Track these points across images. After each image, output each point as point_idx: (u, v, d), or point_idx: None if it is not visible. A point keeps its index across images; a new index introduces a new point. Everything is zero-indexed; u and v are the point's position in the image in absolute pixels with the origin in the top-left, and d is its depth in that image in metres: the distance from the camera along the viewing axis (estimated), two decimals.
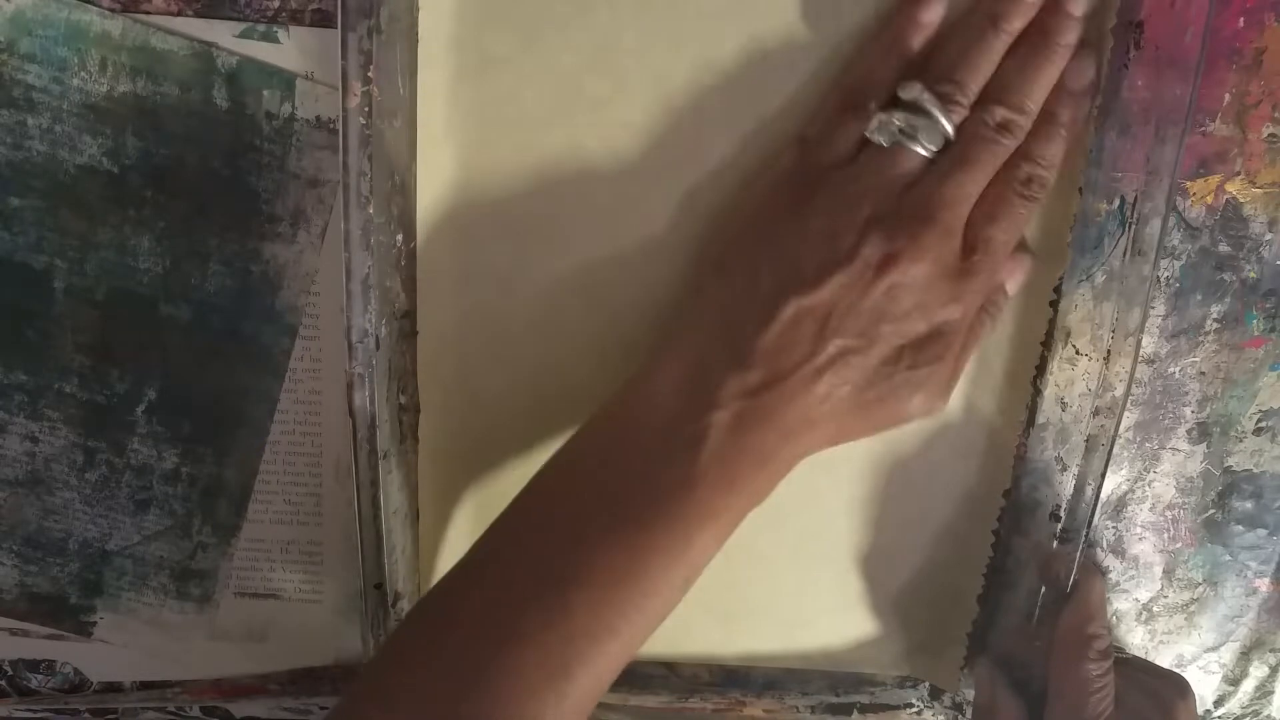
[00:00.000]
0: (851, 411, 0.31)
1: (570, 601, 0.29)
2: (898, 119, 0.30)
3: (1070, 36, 0.31)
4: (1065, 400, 0.36)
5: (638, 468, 0.31)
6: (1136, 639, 0.42)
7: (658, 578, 0.30)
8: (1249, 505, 0.39)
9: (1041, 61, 0.31)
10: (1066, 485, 0.36)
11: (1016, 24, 0.31)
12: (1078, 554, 0.36)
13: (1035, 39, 0.31)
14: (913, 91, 0.30)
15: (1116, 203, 0.33)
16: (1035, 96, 0.31)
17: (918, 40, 0.32)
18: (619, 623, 0.30)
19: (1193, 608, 0.41)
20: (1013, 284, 0.34)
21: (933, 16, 0.32)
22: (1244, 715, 0.44)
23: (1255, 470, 0.39)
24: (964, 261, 0.31)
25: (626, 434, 0.31)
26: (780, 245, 0.31)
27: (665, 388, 0.31)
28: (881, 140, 0.31)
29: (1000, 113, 0.31)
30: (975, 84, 0.31)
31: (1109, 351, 0.34)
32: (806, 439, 0.31)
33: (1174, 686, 0.37)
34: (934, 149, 0.31)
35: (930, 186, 0.30)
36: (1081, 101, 0.32)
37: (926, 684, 0.43)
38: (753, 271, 0.31)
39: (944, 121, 0.30)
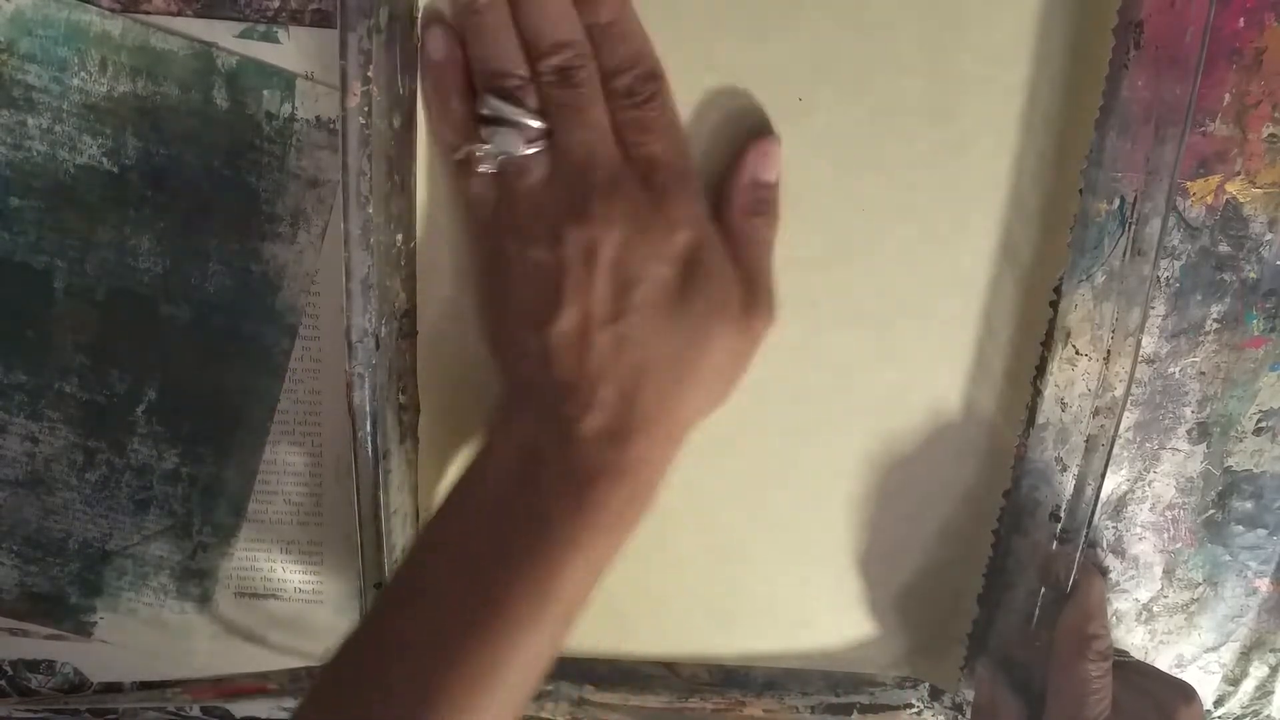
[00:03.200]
0: (674, 374, 0.31)
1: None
2: (487, 145, 0.31)
3: None
4: (1065, 400, 0.36)
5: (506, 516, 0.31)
6: (1136, 639, 0.42)
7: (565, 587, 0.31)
8: (1249, 505, 0.39)
9: None
10: (1066, 485, 0.36)
11: None
12: (1078, 554, 0.36)
13: None
14: (482, 107, 0.31)
15: (1116, 203, 0.33)
16: (564, 27, 0.30)
17: (451, 70, 0.31)
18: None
19: (1193, 608, 0.41)
20: (763, 169, 0.33)
21: (443, 51, 0.31)
22: (1244, 715, 0.44)
23: (1255, 470, 0.39)
24: (650, 192, 0.31)
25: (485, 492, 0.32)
26: (508, 298, 0.32)
27: (507, 454, 0.32)
28: (491, 168, 0.31)
29: (549, 64, 0.30)
30: (514, 62, 0.31)
31: (1109, 351, 0.34)
32: (665, 423, 0.31)
33: (1179, 692, 0.37)
34: (535, 137, 0.31)
35: (564, 168, 0.31)
36: None
37: (926, 684, 0.43)
38: (507, 326, 0.32)
39: (522, 117, 0.30)
